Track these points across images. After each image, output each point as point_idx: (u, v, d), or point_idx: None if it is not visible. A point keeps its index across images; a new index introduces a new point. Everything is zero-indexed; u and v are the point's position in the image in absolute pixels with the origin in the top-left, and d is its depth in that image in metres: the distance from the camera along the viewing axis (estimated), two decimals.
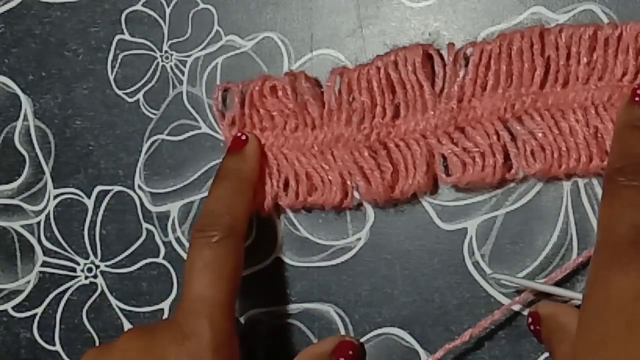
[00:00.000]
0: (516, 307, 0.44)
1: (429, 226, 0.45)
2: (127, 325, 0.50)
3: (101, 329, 0.50)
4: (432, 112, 0.43)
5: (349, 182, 0.45)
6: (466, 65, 0.43)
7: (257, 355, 0.48)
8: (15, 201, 0.51)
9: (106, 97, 0.50)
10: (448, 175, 0.44)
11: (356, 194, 0.45)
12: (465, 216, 0.45)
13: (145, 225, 0.49)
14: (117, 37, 0.50)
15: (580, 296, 0.39)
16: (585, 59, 0.41)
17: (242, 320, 0.48)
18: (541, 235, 0.44)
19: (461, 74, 0.43)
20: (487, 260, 0.44)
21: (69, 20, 0.50)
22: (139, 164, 0.49)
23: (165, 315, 0.49)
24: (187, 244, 0.49)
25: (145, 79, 0.49)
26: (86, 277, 0.51)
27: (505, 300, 0.44)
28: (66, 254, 0.51)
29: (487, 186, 0.44)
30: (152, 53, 0.49)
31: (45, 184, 0.51)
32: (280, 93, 0.45)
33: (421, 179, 0.44)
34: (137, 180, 0.49)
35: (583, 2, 0.43)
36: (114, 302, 0.50)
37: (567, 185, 0.43)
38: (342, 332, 0.47)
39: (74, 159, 0.50)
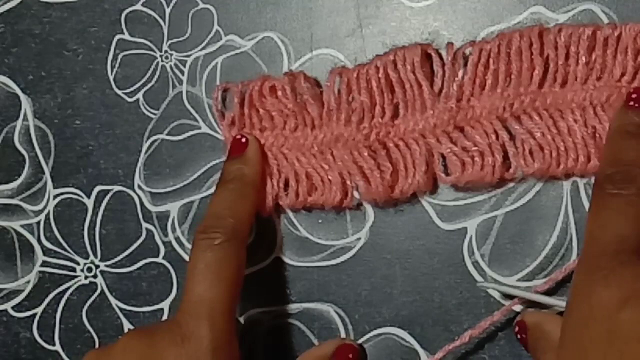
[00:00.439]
0: (516, 308, 0.44)
1: (429, 226, 0.45)
2: (127, 326, 0.50)
3: (101, 329, 0.50)
4: (431, 112, 0.43)
5: (349, 182, 0.45)
6: (465, 64, 0.43)
7: (257, 356, 0.48)
8: (15, 201, 0.51)
9: (106, 97, 0.50)
10: (447, 175, 0.44)
11: (356, 194, 0.45)
12: (465, 216, 0.45)
13: (145, 225, 0.50)
14: (117, 37, 0.50)
15: (563, 304, 0.39)
16: (584, 59, 0.41)
17: (242, 320, 0.48)
18: (541, 235, 0.44)
19: (460, 73, 0.43)
20: (487, 260, 0.44)
21: (69, 20, 0.50)
22: (139, 164, 0.49)
23: (165, 316, 0.49)
24: (187, 244, 0.49)
25: (145, 79, 0.49)
26: (86, 277, 0.51)
27: (505, 301, 0.44)
28: (66, 254, 0.51)
29: (487, 186, 0.44)
30: (152, 53, 0.49)
31: (45, 184, 0.51)
32: (280, 93, 0.45)
33: (421, 178, 0.44)
34: (137, 180, 0.50)
35: (583, 2, 0.43)
36: (114, 302, 0.50)
37: (567, 185, 0.43)
38: (342, 332, 0.47)
39: (74, 159, 0.50)
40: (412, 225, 0.45)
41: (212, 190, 0.46)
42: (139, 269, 0.50)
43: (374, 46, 0.46)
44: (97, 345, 0.50)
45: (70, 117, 0.50)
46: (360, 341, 0.46)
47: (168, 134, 0.49)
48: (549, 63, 0.42)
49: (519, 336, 0.42)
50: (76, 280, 0.51)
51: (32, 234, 0.51)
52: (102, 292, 0.50)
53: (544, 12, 0.43)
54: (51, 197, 0.51)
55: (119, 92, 0.50)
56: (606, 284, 0.34)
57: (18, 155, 0.51)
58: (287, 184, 0.46)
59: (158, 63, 0.49)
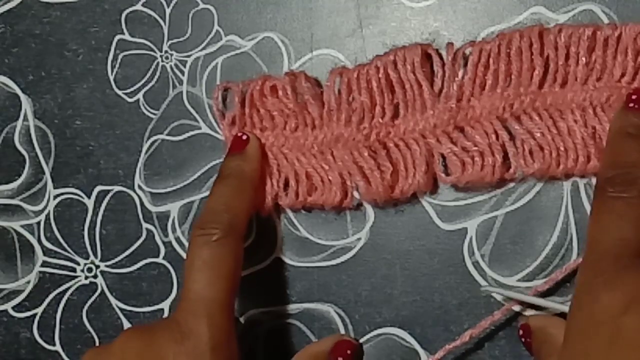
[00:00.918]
0: (516, 308, 0.44)
1: (429, 226, 0.45)
2: (127, 325, 0.50)
3: (101, 329, 0.50)
4: (431, 112, 0.43)
5: (348, 182, 0.45)
6: (465, 64, 0.43)
7: (257, 355, 0.48)
8: (15, 201, 0.51)
9: (106, 97, 0.50)
10: (447, 174, 0.44)
11: (356, 194, 0.45)
12: (465, 216, 0.45)
13: (145, 225, 0.50)
14: (117, 37, 0.50)
15: (567, 308, 0.39)
16: (584, 60, 0.41)
17: (242, 320, 0.48)
18: (541, 235, 0.44)
19: (460, 73, 0.43)
20: (487, 260, 0.44)
21: (69, 20, 0.50)
22: (139, 164, 0.49)
23: (165, 316, 0.49)
24: (187, 244, 0.49)
25: (145, 79, 0.49)
26: (86, 277, 0.51)
27: (505, 301, 0.44)
28: (66, 254, 0.51)
29: (487, 186, 0.44)
30: (152, 53, 0.49)
31: (45, 184, 0.51)
32: (280, 93, 0.45)
33: (421, 178, 0.44)
34: (137, 180, 0.50)
35: (583, 2, 0.43)
36: (114, 302, 0.50)
37: (567, 185, 0.43)
38: (342, 332, 0.47)
39: (74, 159, 0.50)
40: (412, 225, 0.45)
41: None
42: (139, 269, 0.50)
43: (374, 46, 0.46)
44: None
45: (70, 117, 0.50)
46: (360, 341, 0.46)
47: (168, 134, 0.49)
48: (548, 63, 0.42)
49: (523, 340, 0.42)
50: (76, 280, 0.51)
51: (32, 234, 0.51)
52: (102, 292, 0.50)
53: (544, 12, 0.43)
54: (51, 197, 0.51)
55: (119, 92, 0.50)
56: (608, 287, 0.34)
57: (18, 155, 0.51)
58: (286, 184, 0.46)
59: (158, 63, 0.49)
